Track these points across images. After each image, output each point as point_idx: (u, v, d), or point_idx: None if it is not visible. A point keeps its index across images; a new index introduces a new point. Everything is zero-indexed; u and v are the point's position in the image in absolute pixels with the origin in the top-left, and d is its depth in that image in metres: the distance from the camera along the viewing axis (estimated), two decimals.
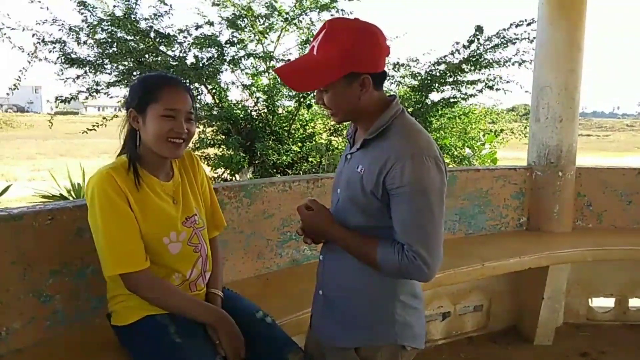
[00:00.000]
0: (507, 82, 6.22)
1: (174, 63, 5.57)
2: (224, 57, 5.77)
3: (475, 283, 3.28)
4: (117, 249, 1.48)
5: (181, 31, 5.76)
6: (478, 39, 5.96)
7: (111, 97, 6.05)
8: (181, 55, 5.76)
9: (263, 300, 1.89)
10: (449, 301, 3.28)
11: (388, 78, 6.01)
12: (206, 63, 5.75)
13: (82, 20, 5.56)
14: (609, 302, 3.67)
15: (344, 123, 1.80)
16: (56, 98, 6.04)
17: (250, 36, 5.99)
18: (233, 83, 6.22)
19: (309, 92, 6.09)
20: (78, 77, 5.81)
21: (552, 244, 3.22)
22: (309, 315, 2.08)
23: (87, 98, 5.93)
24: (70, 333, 1.81)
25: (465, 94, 6.31)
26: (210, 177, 4.14)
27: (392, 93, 5.29)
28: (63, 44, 5.59)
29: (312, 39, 1.44)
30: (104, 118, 5.76)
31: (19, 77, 5.66)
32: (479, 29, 5.94)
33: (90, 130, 5.64)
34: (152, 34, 5.61)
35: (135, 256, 1.49)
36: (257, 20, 5.90)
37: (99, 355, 1.69)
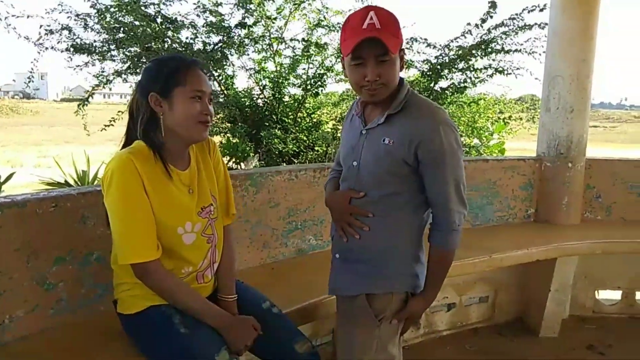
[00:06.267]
0: (518, 68, 6.12)
1: (181, 49, 5.53)
2: (233, 42, 5.71)
3: (481, 274, 3.25)
4: (130, 238, 1.45)
5: (190, 15, 5.72)
6: (491, 16, 5.84)
7: (126, 82, 6.02)
8: (188, 41, 5.72)
9: (268, 290, 1.87)
10: (455, 292, 3.26)
11: None
12: (214, 48, 5.71)
13: (91, 7, 5.53)
14: (615, 295, 3.64)
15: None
16: (80, 103, 6.01)
17: (258, 19, 5.92)
18: (242, 67, 6.17)
19: (315, 81, 6.06)
20: (86, 64, 5.80)
21: (561, 236, 3.19)
22: (314, 305, 2.09)
23: (102, 87, 5.92)
24: (75, 321, 1.81)
25: (477, 77, 6.21)
26: None
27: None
28: (70, 31, 5.57)
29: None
30: (119, 112, 5.73)
31: (32, 69, 5.68)
32: (493, 5, 5.81)
33: (108, 126, 5.60)
34: (159, 19, 5.56)
35: (147, 246, 1.46)
36: (265, 2, 5.83)
37: (103, 344, 1.68)
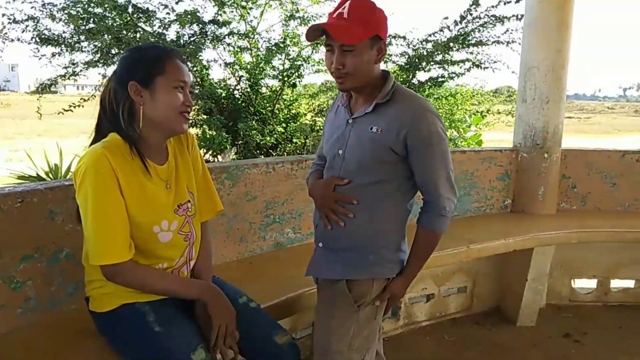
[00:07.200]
0: (495, 62, 6.15)
1: (153, 40, 5.41)
2: (206, 34, 5.61)
3: (459, 265, 3.26)
4: (100, 239, 1.39)
5: (162, 6, 5.59)
6: (471, 13, 5.83)
7: (87, 78, 5.88)
8: (161, 31, 5.59)
9: (246, 285, 1.84)
10: (433, 283, 3.27)
11: None
12: (188, 40, 5.60)
13: None
14: (591, 284, 3.69)
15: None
16: (38, 88, 5.87)
17: (232, 11, 5.82)
18: (215, 61, 6.07)
19: (292, 72, 5.99)
20: (54, 55, 5.63)
21: (537, 226, 3.21)
22: (292, 300, 2.06)
23: (68, 78, 5.76)
24: (45, 320, 1.74)
25: (454, 72, 6.23)
26: None
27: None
28: (36, 21, 5.39)
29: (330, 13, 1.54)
30: (82, 99, 5.60)
31: None
32: (475, 2, 5.80)
33: (67, 111, 5.49)
34: (130, 9, 5.42)
35: (117, 248, 1.40)
36: None
37: (75, 344, 1.63)
